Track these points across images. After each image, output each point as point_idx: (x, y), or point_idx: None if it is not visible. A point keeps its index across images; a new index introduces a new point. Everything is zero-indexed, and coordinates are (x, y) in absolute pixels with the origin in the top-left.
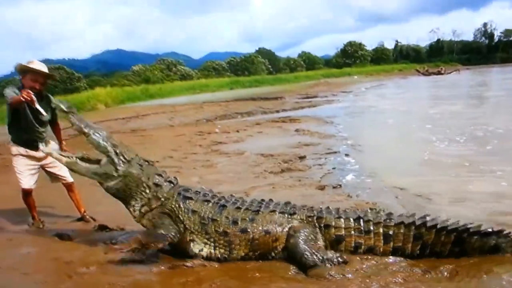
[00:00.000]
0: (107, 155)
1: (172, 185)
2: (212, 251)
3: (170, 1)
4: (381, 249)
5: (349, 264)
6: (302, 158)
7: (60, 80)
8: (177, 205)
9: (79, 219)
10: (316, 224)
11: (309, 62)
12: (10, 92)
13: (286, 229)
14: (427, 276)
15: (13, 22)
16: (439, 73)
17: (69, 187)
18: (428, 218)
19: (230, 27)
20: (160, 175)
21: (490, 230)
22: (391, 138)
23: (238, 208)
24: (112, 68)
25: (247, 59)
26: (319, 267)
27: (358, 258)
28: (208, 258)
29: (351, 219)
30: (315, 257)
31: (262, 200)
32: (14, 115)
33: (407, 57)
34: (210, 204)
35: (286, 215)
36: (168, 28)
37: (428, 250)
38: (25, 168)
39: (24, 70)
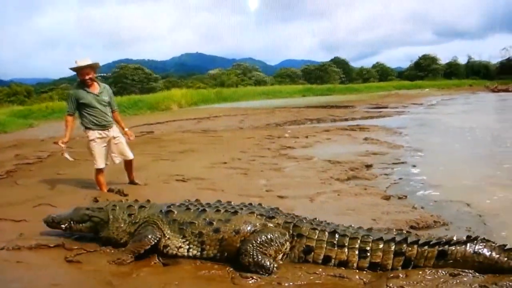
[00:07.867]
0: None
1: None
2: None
3: (252, 10)
4: (356, 264)
5: (409, 276)
6: (369, 166)
7: (138, 79)
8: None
9: (130, 183)
10: (291, 231)
11: (382, 73)
12: (68, 104)
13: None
14: None
15: (98, 22)
16: (507, 90)
17: (129, 162)
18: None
19: (310, 36)
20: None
21: (465, 238)
22: (461, 153)
23: (218, 210)
24: (190, 71)
25: (321, 68)
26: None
27: (420, 271)
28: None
29: (326, 232)
30: (251, 259)
31: (256, 203)
32: (80, 106)
33: (477, 73)
34: (191, 211)
35: (264, 218)
36: (248, 35)
37: (412, 265)
38: (100, 151)
39: (74, 70)
